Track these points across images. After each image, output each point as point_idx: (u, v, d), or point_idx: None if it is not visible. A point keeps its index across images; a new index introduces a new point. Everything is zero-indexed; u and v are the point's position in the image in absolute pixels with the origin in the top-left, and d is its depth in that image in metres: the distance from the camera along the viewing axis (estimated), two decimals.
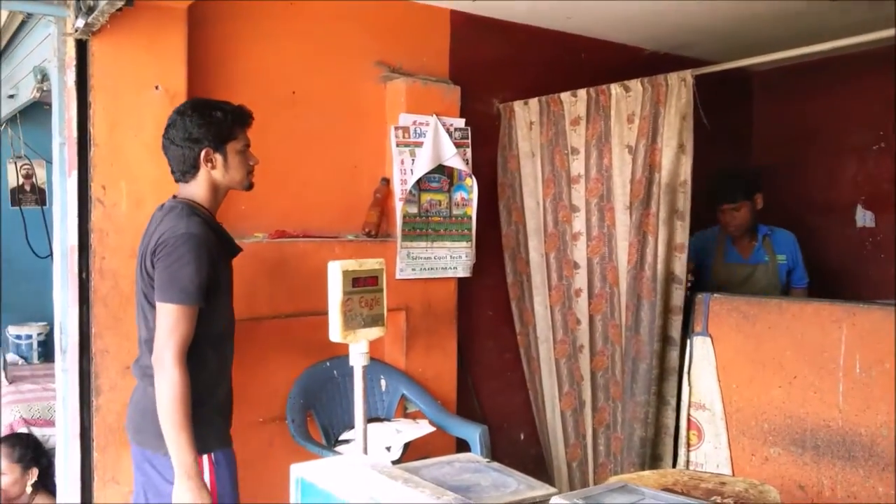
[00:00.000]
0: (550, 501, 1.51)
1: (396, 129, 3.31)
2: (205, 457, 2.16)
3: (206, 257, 2.09)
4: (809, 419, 2.64)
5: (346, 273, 1.87)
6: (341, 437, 3.06)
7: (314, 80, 3.23)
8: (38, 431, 3.49)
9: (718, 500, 2.14)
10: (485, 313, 3.71)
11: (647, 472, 2.44)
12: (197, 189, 2.26)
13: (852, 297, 3.11)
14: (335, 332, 1.88)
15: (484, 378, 3.73)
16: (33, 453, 3.31)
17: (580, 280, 3.43)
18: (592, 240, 3.37)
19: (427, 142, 3.33)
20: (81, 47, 2.66)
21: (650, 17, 3.67)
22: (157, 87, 2.75)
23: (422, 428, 3.00)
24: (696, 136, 2.96)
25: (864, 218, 4.35)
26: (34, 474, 3.27)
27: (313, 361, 3.22)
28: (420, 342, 3.41)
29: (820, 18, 3.61)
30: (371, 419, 3.15)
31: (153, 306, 2.14)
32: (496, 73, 3.75)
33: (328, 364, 3.23)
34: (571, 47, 3.99)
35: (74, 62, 2.66)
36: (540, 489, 1.67)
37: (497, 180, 3.71)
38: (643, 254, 3.07)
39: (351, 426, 3.13)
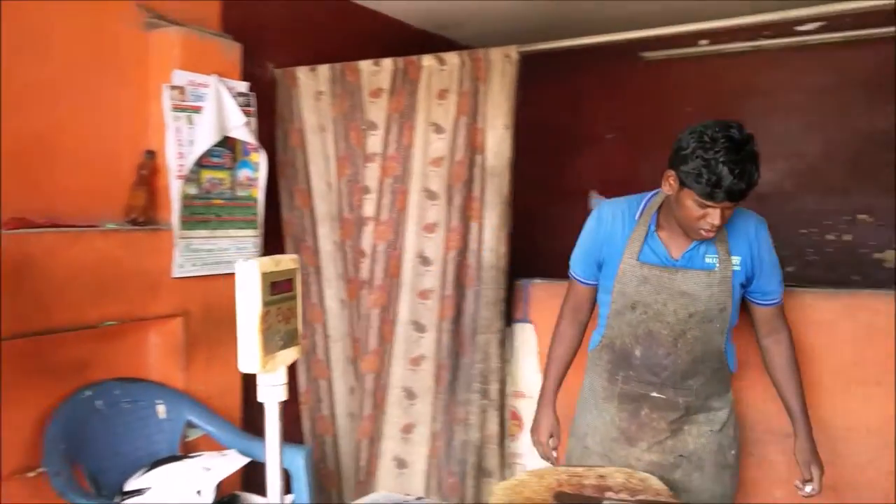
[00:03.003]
0: None
1: (172, 88, 2.76)
2: None
3: None
4: None
5: (265, 276, 1.45)
6: (127, 488, 2.48)
7: (54, 15, 2.55)
8: None
9: (628, 497, 2.18)
10: None
11: (524, 477, 2.38)
12: None
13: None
14: (251, 361, 1.44)
15: None
16: None
17: (364, 270, 3.23)
18: (381, 224, 3.19)
19: (208, 107, 2.86)
20: None
21: None
22: None
23: (233, 460, 2.57)
24: None
25: (597, 204, 4.80)
26: None
27: (68, 391, 2.57)
28: (201, 353, 2.94)
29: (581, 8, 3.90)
30: (165, 459, 2.61)
31: None
32: (270, 33, 3.38)
33: (89, 393, 2.62)
34: (343, 14, 3.76)
35: None
36: None
37: (276, 157, 3.32)
38: (467, 240, 2.99)
39: (129, 473, 2.57)
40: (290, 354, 1.52)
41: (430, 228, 3.06)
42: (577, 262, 2.43)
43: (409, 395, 3.13)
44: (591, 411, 2.43)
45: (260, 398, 1.53)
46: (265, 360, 1.44)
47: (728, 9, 3.17)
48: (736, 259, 2.24)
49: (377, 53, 3.23)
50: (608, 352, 2.37)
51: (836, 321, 2.61)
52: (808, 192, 4.33)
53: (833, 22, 4.32)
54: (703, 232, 2.11)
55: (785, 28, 4.45)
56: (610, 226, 2.32)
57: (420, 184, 3.08)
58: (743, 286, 2.27)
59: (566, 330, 2.48)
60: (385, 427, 3.16)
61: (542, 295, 3.04)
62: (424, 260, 3.07)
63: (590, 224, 2.38)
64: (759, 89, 4.61)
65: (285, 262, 1.50)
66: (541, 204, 4.75)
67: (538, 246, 4.42)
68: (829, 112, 4.40)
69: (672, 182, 2.11)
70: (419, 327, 3.09)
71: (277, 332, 1.47)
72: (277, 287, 1.47)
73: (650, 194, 2.32)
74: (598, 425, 2.41)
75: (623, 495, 2.24)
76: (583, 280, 2.43)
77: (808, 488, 2.32)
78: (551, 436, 2.48)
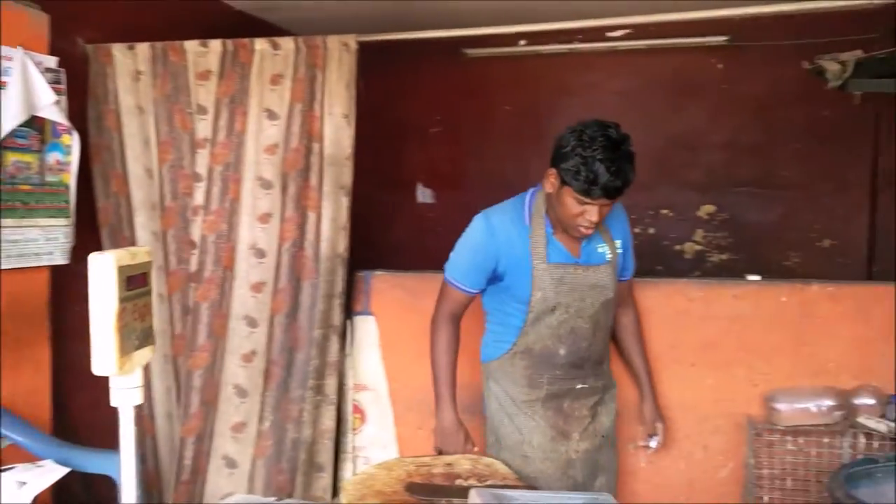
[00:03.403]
0: None
1: None
2: None
3: None
4: (475, 386, 2.72)
5: (121, 270, 1.33)
6: None
7: None
8: None
9: (476, 483, 2.22)
10: (83, 307, 3.04)
11: (373, 471, 2.37)
12: None
13: (410, 268, 3.38)
14: (107, 362, 1.31)
15: (82, 388, 3.06)
16: None
17: (194, 262, 3.07)
18: (211, 214, 3.04)
19: (13, 83, 2.59)
20: None
21: None
22: None
23: (50, 472, 2.33)
24: None
25: (424, 195, 4.87)
26: None
27: None
28: (5, 355, 2.65)
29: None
30: None
31: None
32: (79, 6, 3.07)
33: None
34: None
35: None
36: None
37: (89, 140, 3.05)
38: (304, 231, 2.91)
39: None
40: (145, 354, 1.41)
41: (264, 219, 2.95)
42: (463, 272, 2.38)
43: (241, 392, 3.00)
44: (517, 418, 2.41)
45: (114, 402, 1.41)
46: (122, 362, 1.33)
47: (546, 12, 3.35)
48: (618, 243, 2.41)
49: (194, 32, 3.07)
50: (524, 358, 2.38)
51: (656, 307, 2.81)
52: None
53: (638, 31, 4.67)
54: (581, 229, 2.20)
55: (597, 34, 4.74)
56: (505, 235, 2.31)
57: (253, 172, 2.96)
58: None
59: (447, 336, 2.43)
60: (217, 425, 3.01)
61: (383, 286, 3.03)
62: (258, 252, 2.95)
63: (478, 235, 2.34)
64: (574, 90, 4.88)
65: (140, 254, 1.39)
66: (372, 194, 4.74)
67: (370, 236, 4.43)
68: (636, 114, 4.70)
69: (553, 180, 2.18)
70: (251, 322, 2.97)
71: (133, 331, 1.36)
72: (133, 282, 1.35)
73: (528, 195, 2.36)
74: (532, 429, 2.39)
75: (472, 481, 2.29)
76: (466, 289, 2.39)
77: (654, 443, 2.58)
78: (467, 441, 2.44)
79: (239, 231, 2.98)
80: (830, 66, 3.26)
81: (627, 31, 4.73)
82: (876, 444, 2.53)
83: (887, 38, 3.96)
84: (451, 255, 2.41)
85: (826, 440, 2.59)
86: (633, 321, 2.62)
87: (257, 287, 2.97)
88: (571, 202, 2.16)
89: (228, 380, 2.99)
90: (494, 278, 2.35)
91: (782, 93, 4.51)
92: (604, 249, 2.37)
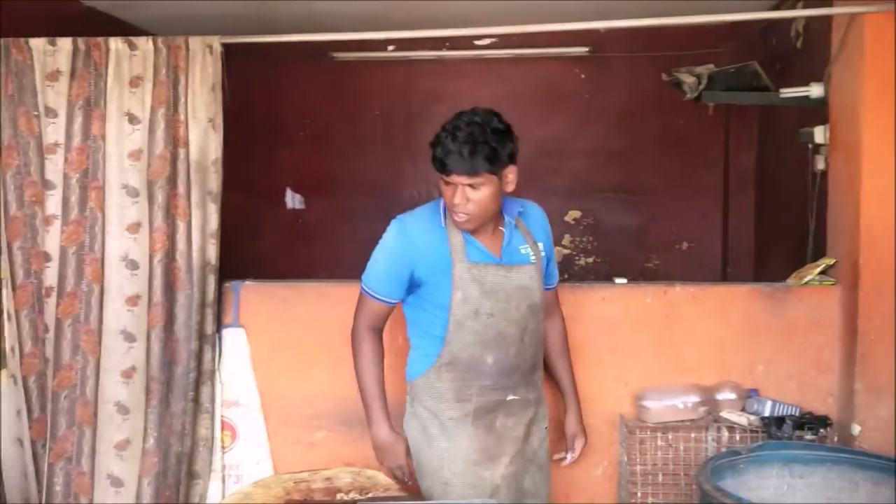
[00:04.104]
0: None
1: None
2: None
3: None
4: (355, 396, 2.54)
5: None
6: None
7: None
8: None
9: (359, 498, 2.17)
10: None
11: (249, 489, 2.28)
12: None
13: (281, 276, 3.25)
14: None
15: None
16: None
17: (51, 276, 2.86)
18: (69, 224, 2.85)
19: None
20: None
21: None
22: None
23: None
24: None
25: (293, 200, 4.77)
26: None
27: None
28: None
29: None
30: None
31: None
32: None
33: None
34: None
35: None
36: None
37: None
38: (174, 241, 2.79)
39: None
40: None
41: (133, 228, 2.79)
42: (381, 282, 2.30)
43: (123, 409, 2.83)
44: (438, 441, 2.29)
45: None
46: None
47: (415, 19, 3.34)
48: (541, 245, 2.36)
49: (41, 29, 2.85)
50: (451, 369, 2.27)
51: None
52: None
53: (504, 40, 4.77)
54: (455, 216, 2.18)
55: (465, 42, 4.80)
56: (422, 239, 2.25)
57: (118, 179, 2.80)
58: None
59: (370, 349, 2.35)
60: (99, 444, 2.83)
61: (253, 297, 2.91)
62: (131, 263, 2.80)
63: (395, 242, 2.28)
64: (443, 96, 4.91)
65: None
66: (238, 200, 4.60)
67: (236, 244, 4.29)
68: None
69: None
70: (129, 337, 2.81)
71: None
72: None
73: (441, 199, 2.29)
74: (453, 454, 2.27)
75: (353, 495, 2.25)
76: (384, 299, 2.31)
77: (569, 457, 2.55)
78: (407, 452, 2.34)
79: (107, 242, 2.81)
80: (686, 78, 3.43)
81: (494, 39, 4.82)
82: (738, 436, 2.67)
83: (735, 53, 4.24)
84: (368, 263, 2.34)
85: (693, 435, 2.71)
86: (559, 332, 2.55)
87: (132, 300, 2.81)
88: (442, 185, 2.17)
89: (108, 397, 2.81)
90: (413, 286, 2.28)
91: (641, 102, 4.73)
92: (527, 251, 2.31)
